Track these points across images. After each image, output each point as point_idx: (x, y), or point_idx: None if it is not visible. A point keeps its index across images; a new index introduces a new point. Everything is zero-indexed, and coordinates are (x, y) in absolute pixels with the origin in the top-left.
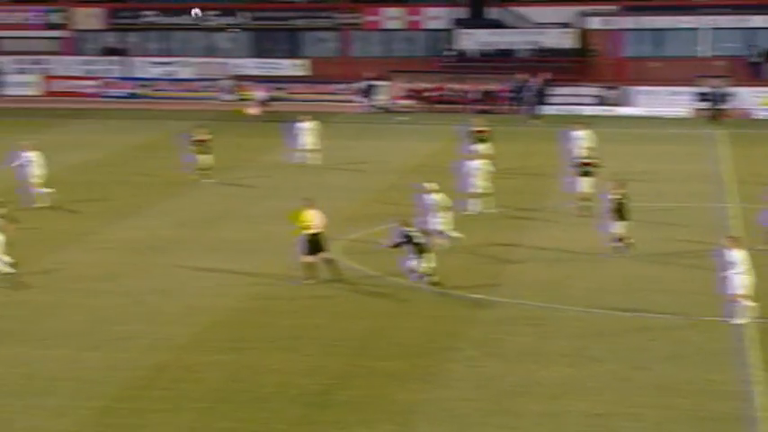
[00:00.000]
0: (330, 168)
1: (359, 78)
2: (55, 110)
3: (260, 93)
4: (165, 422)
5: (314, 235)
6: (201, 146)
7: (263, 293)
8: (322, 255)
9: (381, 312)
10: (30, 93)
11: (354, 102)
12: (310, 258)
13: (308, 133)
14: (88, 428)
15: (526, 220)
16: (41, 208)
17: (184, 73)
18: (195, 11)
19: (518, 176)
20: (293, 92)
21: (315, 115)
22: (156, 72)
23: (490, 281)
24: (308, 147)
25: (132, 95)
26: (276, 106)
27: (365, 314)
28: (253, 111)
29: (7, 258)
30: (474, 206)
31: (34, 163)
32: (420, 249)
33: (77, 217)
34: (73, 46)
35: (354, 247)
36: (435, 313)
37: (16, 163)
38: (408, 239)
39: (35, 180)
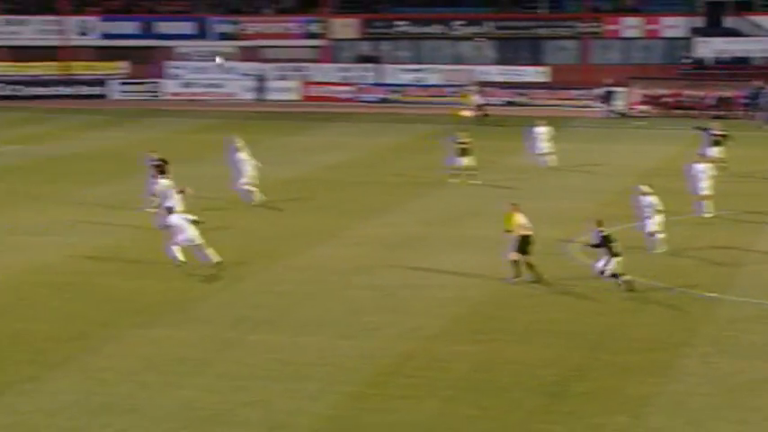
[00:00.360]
0: (570, 170)
1: (598, 85)
2: (312, 113)
3: (477, 98)
4: (413, 408)
5: (525, 236)
6: (463, 148)
7: (502, 288)
8: (526, 257)
9: (617, 309)
10: (290, 98)
11: (593, 107)
12: (517, 256)
13: (543, 137)
14: (343, 412)
15: (758, 224)
16: (277, 206)
17: (433, 79)
18: (219, 59)
19: (752, 181)
20: (534, 97)
21: (555, 120)
22: (406, 78)
23: (723, 280)
24: (545, 150)
25: (384, 100)
26: (503, 110)
27: (601, 310)
28: (467, 113)
29: (210, 251)
30: (707, 209)
31: (248, 163)
32: (612, 250)
33: (333, 214)
34: (330, 54)
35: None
36: (670, 311)
37: (237, 163)
38: (604, 240)
39: (249, 179)
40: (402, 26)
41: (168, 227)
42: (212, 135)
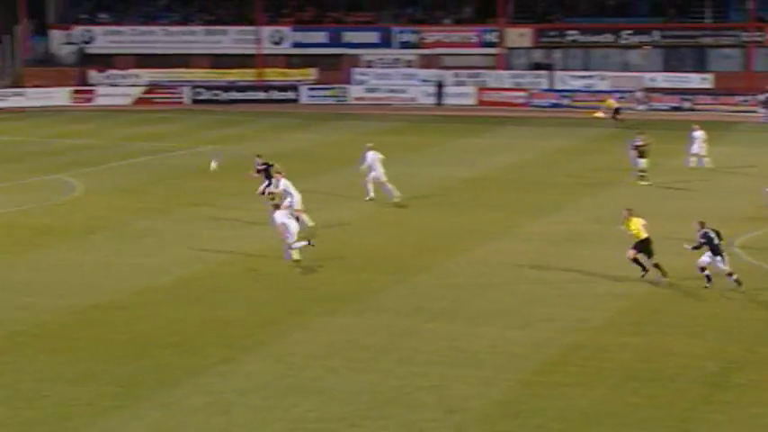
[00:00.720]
0: (731, 172)
1: (760, 91)
2: (487, 117)
3: (613, 101)
4: (579, 395)
5: (645, 239)
6: (642, 150)
7: (666, 284)
8: (629, 253)
9: None
10: (466, 102)
11: (756, 112)
12: (637, 255)
13: (700, 140)
14: (513, 397)
15: None
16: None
17: (601, 85)
18: (213, 163)
19: None
20: (698, 103)
21: (718, 125)
22: (576, 84)
23: None
24: (701, 152)
25: (555, 105)
26: (673, 115)
27: (759, 305)
28: (600, 115)
29: (301, 243)
30: None
31: (379, 162)
32: (715, 250)
33: (506, 211)
34: (504, 62)
35: (751, 244)
36: None
37: (364, 164)
38: (708, 240)
39: (383, 178)
40: (573, 35)
41: (276, 224)
42: (394, 137)
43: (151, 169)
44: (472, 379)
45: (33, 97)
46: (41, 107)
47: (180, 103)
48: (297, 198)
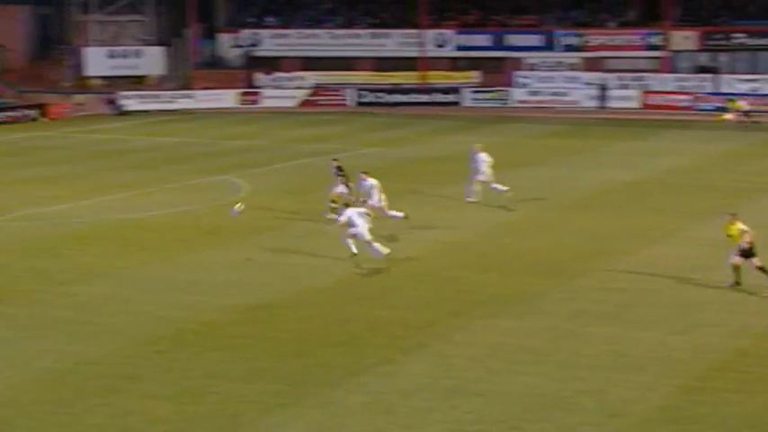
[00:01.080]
0: None
1: None
2: (651, 121)
3: (744, 103)
4: (741, 403)
5: (749, 244)
6: None
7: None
8: (753, 261)
9: None
10: (629, 105)
11: None
12: (738, 261)
13: None
14: (674, 403)
15: None
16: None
17: None
18: (236, 208)
19: None
20: None
21: None
22: (742, 88)
23: None
24: None
25: (719, 109)
26: None
27: None
28: (728, 117)
29: (378, 245)
30: None
31: (486, 163)
32: None
33: (669, 215)
34: (669, 64)
35: None
36: None
37: (474, 163)
38: None
39: (488, 178)
40: (740, 38)
41: (344, 220)
42: (556, 140)
43: (316, 171)
44: (633, 383)
45: (202, 99)
46: (209, 109)
47: (344, 105)
48: (378, 197)
